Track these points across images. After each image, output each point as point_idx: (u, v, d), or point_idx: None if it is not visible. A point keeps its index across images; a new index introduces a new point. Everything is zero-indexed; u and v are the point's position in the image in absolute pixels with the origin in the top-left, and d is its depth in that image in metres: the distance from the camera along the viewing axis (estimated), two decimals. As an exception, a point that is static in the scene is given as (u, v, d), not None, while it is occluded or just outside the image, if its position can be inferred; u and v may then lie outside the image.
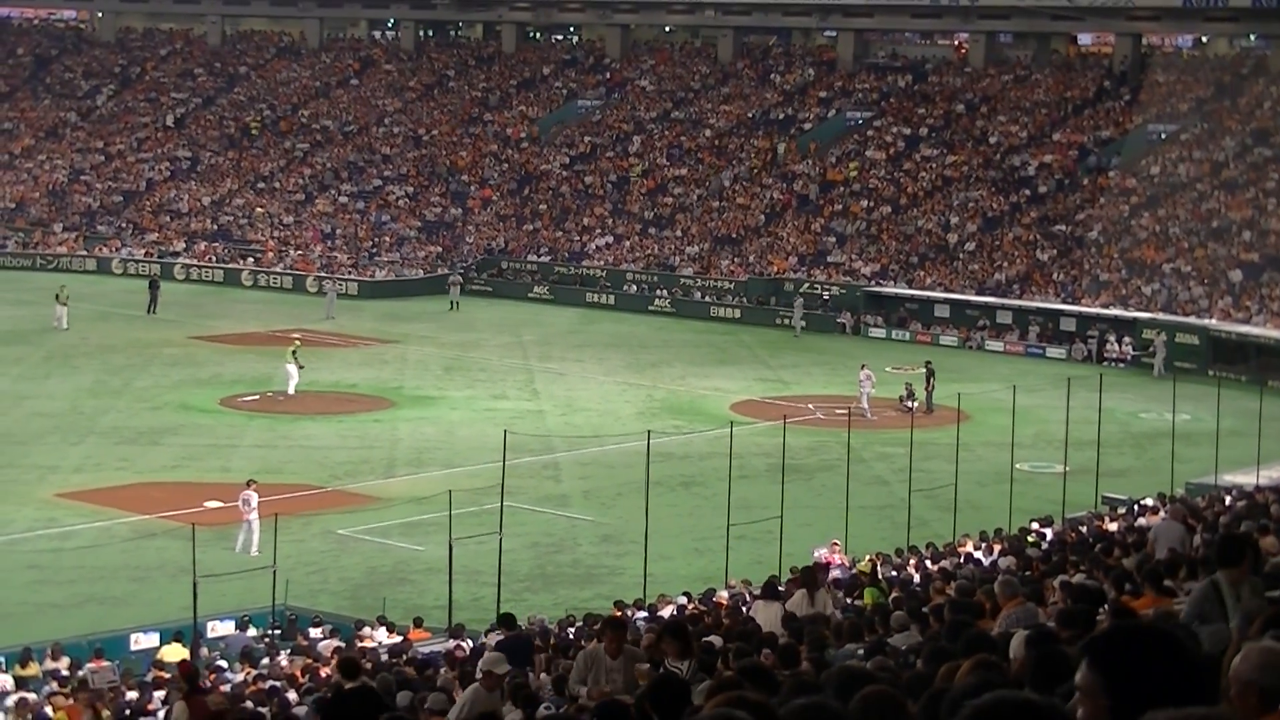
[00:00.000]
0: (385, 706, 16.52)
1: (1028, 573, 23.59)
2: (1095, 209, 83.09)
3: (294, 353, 60.68)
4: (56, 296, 73.54)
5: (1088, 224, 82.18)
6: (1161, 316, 72.54)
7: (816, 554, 35.44)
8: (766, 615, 24.11)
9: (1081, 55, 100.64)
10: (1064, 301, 77.07)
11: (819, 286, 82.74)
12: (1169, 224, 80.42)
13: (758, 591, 28.25)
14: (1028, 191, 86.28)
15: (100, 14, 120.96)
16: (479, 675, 17.57)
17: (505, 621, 26.71)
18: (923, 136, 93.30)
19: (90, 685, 22.94)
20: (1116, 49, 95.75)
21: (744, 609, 26.47)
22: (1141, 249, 79.23)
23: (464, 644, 27.80)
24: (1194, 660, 5.37)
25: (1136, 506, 38.64)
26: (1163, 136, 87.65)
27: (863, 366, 60.03)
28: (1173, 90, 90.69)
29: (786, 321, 79.46)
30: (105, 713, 22.54)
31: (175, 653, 30.21)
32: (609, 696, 15.25)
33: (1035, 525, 37.57)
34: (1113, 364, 70.47)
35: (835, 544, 36.86)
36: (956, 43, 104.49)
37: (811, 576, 25.86)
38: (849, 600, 26.16)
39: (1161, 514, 32.22)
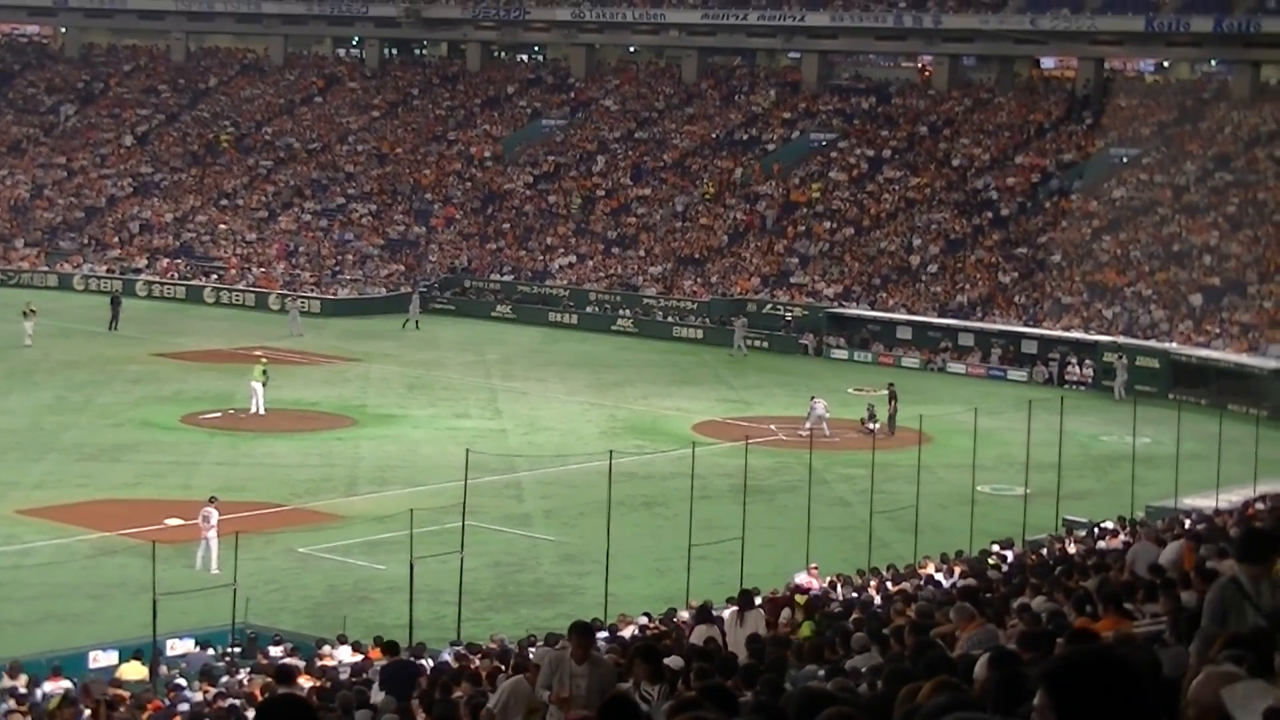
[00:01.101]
0: (314, 715, 16.55)
1: (988, 594, 23.64)
2: (1057, 232, 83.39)
3: (264, 371, 60.56)
4: (24, 313, 73.22)
5: (1050, 247, 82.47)
6: (1123, 340, 72.76)
7: (797, 579, 35.47)
8: (702, 637, 24.35)
9: (1045, 79, 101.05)
10: (1026, 324, 77.29)
11: (781, 307, 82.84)
12: (1130, 247, 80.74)
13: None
14: (990, 214, 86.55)
15: (64, 29, 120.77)
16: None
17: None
18: (886, 158, 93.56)
19: (74, 704, 22.34)
20: (1080, 73, 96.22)
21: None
22: (1103, 272, 79.51)
23: (424, 663, 27.73)
24: (1146, 685, 5.41)
25: (1097, 529, 38.77)
26: (1125, 160, 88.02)
27: (814, 398, 59.90)
28: (1135, 114, 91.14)
29: (750, 343, 79.41)
30: None
31: (134, 671, 30.12)
32: (570, 701, 15.28)
33: (996, 547, 37.66)
34: (1074, 387, 70.70)
35: (814, 568, 36.88)
36: (920, 65, 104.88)
37: (745, 598, 26.19)
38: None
39: (1122, 537, 32.35)
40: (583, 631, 16.49)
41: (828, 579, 35.10)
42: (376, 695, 21.96)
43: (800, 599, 29.78)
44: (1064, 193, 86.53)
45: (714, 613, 26.98)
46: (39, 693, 28.49)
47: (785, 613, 27.35)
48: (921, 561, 36.64)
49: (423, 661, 27.25)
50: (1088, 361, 72.76)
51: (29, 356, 70.37)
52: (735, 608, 26.65)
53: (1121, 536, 35.34)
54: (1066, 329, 75.90)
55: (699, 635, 25.08)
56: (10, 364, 68.89)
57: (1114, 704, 5.23)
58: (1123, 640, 12.57)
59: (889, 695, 9.43)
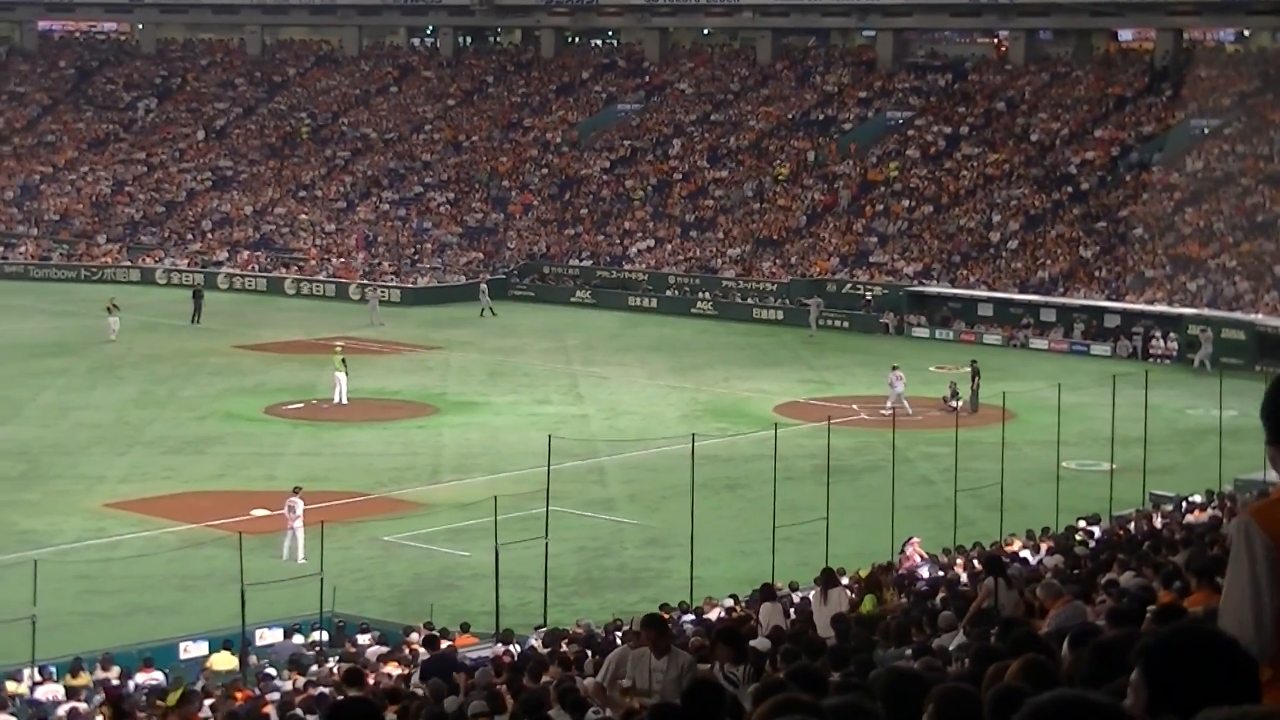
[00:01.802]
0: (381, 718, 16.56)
1: (1076, 571, 23.49)
2: (1138, 205, 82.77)
3: (342, 360, 60.79)
4: (108, 309, 73.71)
5: (1131, 220, 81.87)
6: (1207, 312, 72.18)
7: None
8: (768, 615, 24.31)
9: (1122, 51, 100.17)
10: (1108, 298, 76.79)
11: (861, 287, 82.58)
12: (1213, 219, 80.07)
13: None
14: (1070, 189, 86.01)
15: (141, 25, 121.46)
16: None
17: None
18: (963, 135, 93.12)
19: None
20: (1158, 44, 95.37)
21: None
22: (1186, 245, 78.89)
23: (512, 649, 27.80)
24: (1240, 661, 5.32)
25: (1184, 503, 38.47)
26: (1205, 131, 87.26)
27: (894, 368, 59.75)
28: (1215, 85, 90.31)
29: (829, 324, 79.25)
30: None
31: (224, 661, 30.29)
32: (642, 697, 15.10)
33: (1082, 524, 37.41)
34: (1158, 360, 70.19)
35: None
36: (996, 41, 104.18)
37: (828, 577, 26.15)
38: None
39: (1210, 510, 32.10)
40: (656, 625, 16.14)
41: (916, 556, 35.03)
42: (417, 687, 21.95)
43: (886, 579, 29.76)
44: (1144, 165, 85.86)
45: (790, 593, 26.97)
46: (130, 684, 28.70)
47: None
48: (1008, 539, 36.46)
49: (469, 654, 27.29)
50: (1172, 335, 72.20)
51: (113, 351, 70.88)
52: (818, 587, 26.61)
53: (1210, 510, 35.06)
54: (1150, 302, 75.35)
55: (765, 615, 25.09)
56: (94, 359, 69.41)
57: (1209, 680, 5.15)
58: (1213, 615, 12.43)
59: (976, 674, 9.36)
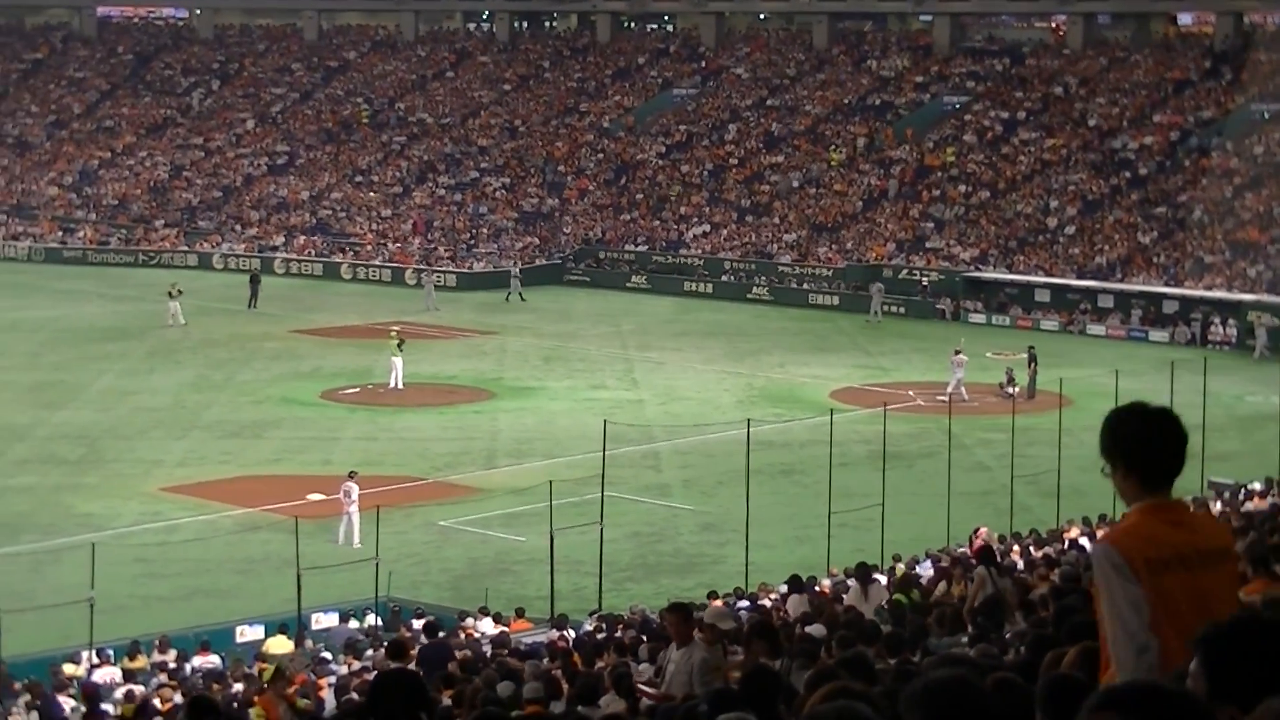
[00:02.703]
0: (425, 691, 16.60)
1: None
2: (1197, 190, 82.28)
3: (399, 345, 60.89)
4: (169, 293, 73.96)
5: (1190, 205, 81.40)
6: (1267, 298, 71.75)
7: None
8: (796, 607, 24.25)
9: (1181, 35, 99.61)
10: (1166, 284, 76.39)
11: (917, 273, 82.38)
12: (1274, 204, 79.52)
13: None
14: (1128, 174, 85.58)
15: (199, 11, 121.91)
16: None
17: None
18: (1021, 120, 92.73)
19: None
20: (1217, 28, 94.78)
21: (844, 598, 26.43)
22: (1245, 230, 78.41)
23: (566, 634, 27.83)
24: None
25: (1243, 491, 38.24)
26: (1266, 116, 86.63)
27: (956, 351, 59.52)
28: (1276, 69, 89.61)
29: (886, 309, 79.06)
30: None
31: (280, 645, 30.40)
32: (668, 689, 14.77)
33: (1140, 511, 37.11)
34: (1217, 347, 69.82)
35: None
36: (1054, 25, 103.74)
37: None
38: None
39: (1270, 498, 31.89)
40: (678, 611, 15.49)
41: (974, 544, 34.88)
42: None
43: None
44: (1203, 150, 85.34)
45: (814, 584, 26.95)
46: (188, 667, 28.83)
47: (941, 586, 27.01)
48: (1065, 526, 36.30)
49: (523, 639, 27.23)
50: (1231, 321, 71.78)
51: (170, 336, 71.18)
52: (856, 582, 26.53)
53: (1269, 498, 34.84)
54: (1208, 288, 74.93)
55: (793, 606, 25.03)
56: (152, 343, 69.74)
57: (1269, 669, 5.11)
58: (1272, 604, 12.35)
59: (1033, 663, 9.31)
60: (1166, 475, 6.54)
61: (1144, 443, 6.47)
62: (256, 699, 20.56)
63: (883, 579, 28.30)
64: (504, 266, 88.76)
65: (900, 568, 31.50)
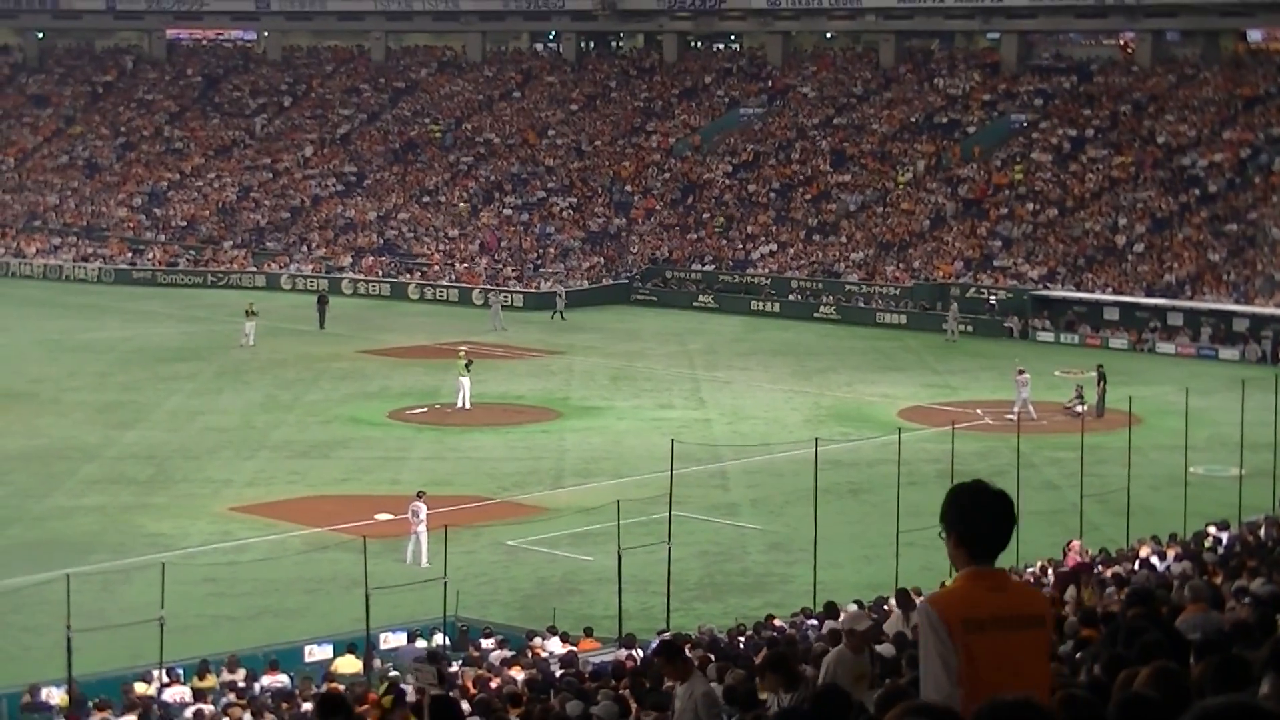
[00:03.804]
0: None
1: (1204, 577, 23.19)
2: (1267, 207, 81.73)
3: (466, 365, 60.98)
4: (246, 312, 74.30)
5: (1260, 223, 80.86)
6: (1338, 316, 71.20)
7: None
8: (829, 631, 24.13)
9: (1251, 52, 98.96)
10: (1236, 302, 75.91)
11: (985, 291, 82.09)
12: (1344, 221, 78.98)
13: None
14: (1197, 191, 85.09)
15: (267, 33, 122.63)
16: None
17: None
18: (1089, 137, 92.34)
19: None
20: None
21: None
22: (1316, 247, 77.87)
23: (635, 654, 27.78)
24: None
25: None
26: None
27: (1019, 371, 59.26)
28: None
29: (961, 328, 78.79)
30: None
31: (349, 664, 30.46)
32: None
33: (1212, 529, 36.96)
34: (1288, 364, 69.31)
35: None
36: (1122, 42, 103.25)
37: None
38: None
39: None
40: (662, 654, 15.31)
41: (1038, 563, 34.71)
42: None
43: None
44: (1273, 167, 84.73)
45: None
46: (256, 686, 28.91)
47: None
48: (1135, 545, 36.08)
49: (591, 659, 27.13)
50: (1302, 338, 71.28)
51: (239, 356, 71.50)
52: (899, 609, 26.37)
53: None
54: (1279, 306, 74.39)
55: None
56: (221, 364, 70.08)
57: None
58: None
59: (1106, 682, 9.25)
60: (991, 548, 7.38)
61: (975, 520, 7.47)
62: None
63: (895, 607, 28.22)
64: (571, 286, 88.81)
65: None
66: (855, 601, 31.60)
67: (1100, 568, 31.79)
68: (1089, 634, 16.71)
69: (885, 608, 29.69)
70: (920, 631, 7.24)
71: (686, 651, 15.44)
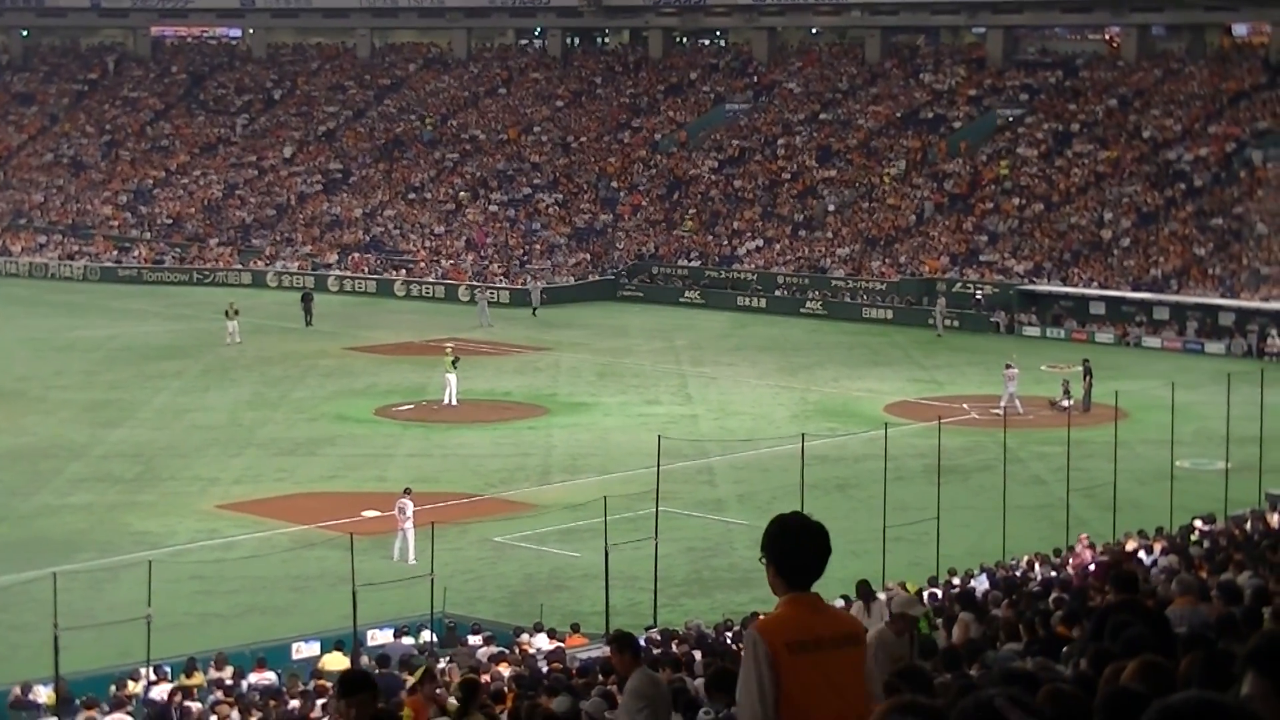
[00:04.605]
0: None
1: (1191, 571, 23.22)
2: (1253, 201, 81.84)
3: (453, 362, 60.96)
4: (226, 313, 74.24)
5: (1245, 217, 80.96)
6: (1323, 310, 71.30)
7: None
8: None
9: (1236, 46, 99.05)
10: (1222, 296, 76.01)
11: (972, 286, 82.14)
12: (1330, 215, 79.12)
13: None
14: (1183, 185, 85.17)
15: (252, 30, 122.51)
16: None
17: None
18: (1075, 132, 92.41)
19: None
20: (1273, 39, 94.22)
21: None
22: (1302, 241, 77.98)
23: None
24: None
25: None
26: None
27: (1008, 366, 59.29)
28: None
29: (948, 324, 78.88)
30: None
31: (336, 661, 30.43)
32: None
33: (1198, 523, 37.03)
34: (1274, 358, 69.39)
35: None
36: (1108, 37, 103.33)
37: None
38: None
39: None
40: (620, 643, 14.81)
41: (1025, 557, 34.76)
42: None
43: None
44: (1260, 161, 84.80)
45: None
46: (244, 684, 28.90)
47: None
48: (1122, 539, 36.14)
49: (579, 655, 27.11)
50: (1287, 332, 71.38)
51: (225, 354, 71.44)
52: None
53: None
54: (1265, 300, 74.51)
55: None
56: (208, 361, 70.01)
57: None
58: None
59: (1093, 676, 9.26)
60: (807, 576, 7.71)
61: (792, 550, 7.73)
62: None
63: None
64: (557, 282, 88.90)
65: (956, 582, 31.38)
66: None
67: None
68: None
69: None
70: (745, 656, 7.54)
71: (638, 646, 15.28)
